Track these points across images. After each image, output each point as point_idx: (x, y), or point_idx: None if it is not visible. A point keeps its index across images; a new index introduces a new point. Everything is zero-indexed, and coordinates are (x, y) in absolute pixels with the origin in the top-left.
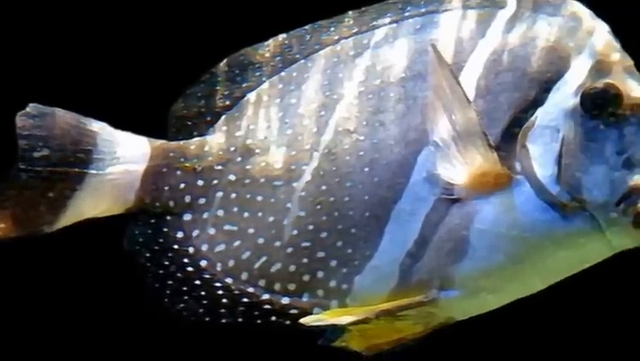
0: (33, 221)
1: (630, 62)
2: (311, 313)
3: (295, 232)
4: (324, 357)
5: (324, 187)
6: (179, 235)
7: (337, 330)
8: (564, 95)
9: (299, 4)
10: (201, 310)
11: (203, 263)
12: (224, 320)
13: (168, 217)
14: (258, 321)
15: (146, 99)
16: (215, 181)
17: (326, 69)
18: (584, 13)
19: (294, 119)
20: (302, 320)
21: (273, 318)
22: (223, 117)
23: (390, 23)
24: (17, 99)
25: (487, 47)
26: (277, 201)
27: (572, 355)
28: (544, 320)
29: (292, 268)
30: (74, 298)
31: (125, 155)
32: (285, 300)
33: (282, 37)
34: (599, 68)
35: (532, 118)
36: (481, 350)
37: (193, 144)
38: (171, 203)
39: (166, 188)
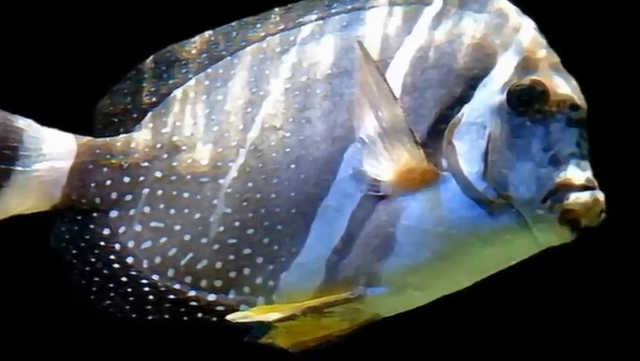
0: None
1: (556, 59)
2: (237, 310)
3: (221, 228)
4: (251, 354)
5: (250, 184)
6: (106, 231)
7: (263, 327)
8: (490, 92)
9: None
10: (128, 307)
11: (130, 260)
12: (150, 317)
13: (95, 214)
14: (185, 318)
15: (72, 96)
16: (141, 178)
17: (252, 66)
18: (510, 9)
19: (220, 115)
20: (228, 317)
21: (200, 315)
22: (149, 114)
23: (316, 20)
24: None
25: (414, 43)
26: (203, 198)
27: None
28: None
29: (218, 264)
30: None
31: (51, 152)
32: (212, 297)
33: (208, 33)
34: (526, 64)
35: (459, 115)
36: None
37: (119, 140)
38: (97, 200)
39: (92, 185)
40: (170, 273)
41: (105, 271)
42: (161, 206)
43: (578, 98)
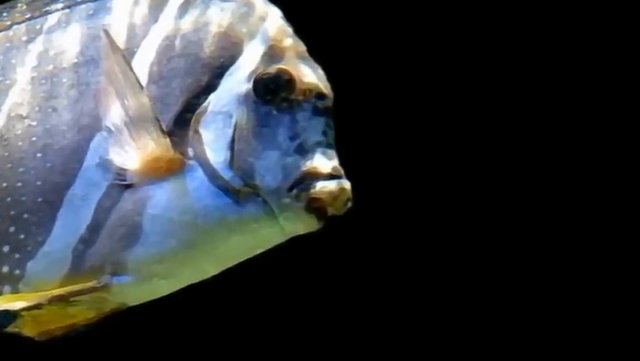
0: None
1: (303, 48)
2: None
3: None
4: None
5: None
6: None
7: (9, 316)
8: (237, 81)
9: None
10: None
11: None
12: None
13: None
14: None
15: None
16: None
17: None
18: None
19: None
20: None
21: None
22: None
23: (63, 9)
24: None
25: (160, 32)
26: None
27: None
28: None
29: None
30: None
31: None
32: None
33: None
34: (272, 53)
35: (205, 103)
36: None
37: None
38: None
39: None
40: None
41: None
42: None
43: (325, 86)
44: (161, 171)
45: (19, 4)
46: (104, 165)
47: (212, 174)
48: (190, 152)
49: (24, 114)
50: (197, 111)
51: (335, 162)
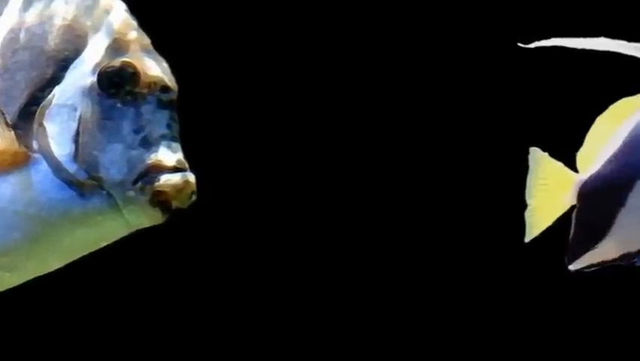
0: None
1: (147, 41)
2: None
3: None
4: None
5: None
6: None
7: None
8: (81, 74)
9: None
10: None
11: None
12: None
13: None
14: None
15: None
16: None
17: None
18: None
19: None
20: None
21: None
22: None
23: None
24: None
25: (5, 25)
26: None
27: None
28: None
29: None
30: None
31: None
32: None
33: None
34: (116, 46)
35: (50, 97)
36: None
37: None
38: None
39: None
40: None
41: None
42: None
43: (169, 80)
44: (5, 165)
45: None
46: None
47: (56, 167)
48: (35, 145)
49: None
50: (41, 104)
51: (179, 155)
